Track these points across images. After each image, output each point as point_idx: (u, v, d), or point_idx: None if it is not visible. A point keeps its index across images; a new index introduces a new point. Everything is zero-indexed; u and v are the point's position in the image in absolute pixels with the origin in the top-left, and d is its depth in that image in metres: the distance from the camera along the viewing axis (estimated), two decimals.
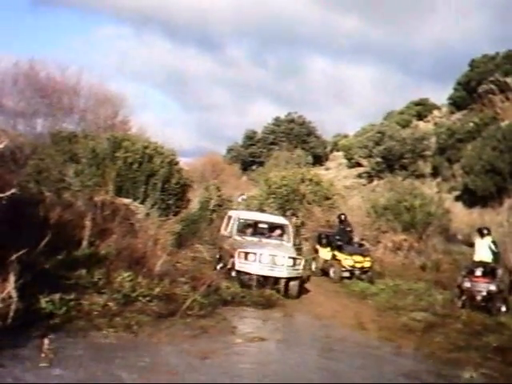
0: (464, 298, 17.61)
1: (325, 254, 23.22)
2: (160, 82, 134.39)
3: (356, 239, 23.89)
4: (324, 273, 22.73)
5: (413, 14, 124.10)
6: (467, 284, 17.66)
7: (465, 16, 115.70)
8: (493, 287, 17.31)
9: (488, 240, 18.38)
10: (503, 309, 17.06)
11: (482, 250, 18.30)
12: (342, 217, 23.98)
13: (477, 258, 18.39)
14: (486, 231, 18.60)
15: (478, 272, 17.73)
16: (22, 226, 11.88)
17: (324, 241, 23.65)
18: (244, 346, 11.31)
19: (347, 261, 22.08)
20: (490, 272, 17.74)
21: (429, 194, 33.06)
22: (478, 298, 17.34)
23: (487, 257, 18.17)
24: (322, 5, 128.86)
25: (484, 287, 17.40)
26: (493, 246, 18.25)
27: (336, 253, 22.54)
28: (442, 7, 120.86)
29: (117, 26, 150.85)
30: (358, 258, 22.15)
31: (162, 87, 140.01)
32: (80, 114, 30.33)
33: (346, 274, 22.06)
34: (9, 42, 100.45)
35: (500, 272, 17.98)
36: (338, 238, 22.95)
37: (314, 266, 23.46)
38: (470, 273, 17.93)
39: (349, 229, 23.78)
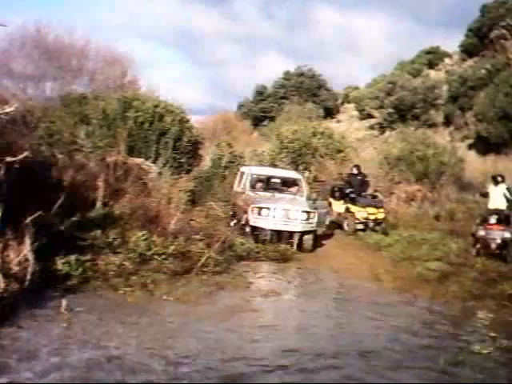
0: (478, 246, 17.57)
1: (338, 206, 22.88)
2: (169, 40, 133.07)
3: (369, 191, 23.57)
4: (338, 226, 22.32)
5: None
6: (481, 232, 17.55)
7: None
8: (507, 234, 17.15)
9: (502, 187, 18.31)
10: None
11: (497, 198, 18.24)
12: (355, 169, 23.56)
13: (491, 205, 18.34)
14: (500, 178, 18.50)
15: (493, 220, 17.61)
16: (35, 188, 11.93)
17: (337, 194, 23.23)
18: (259, 302, 11.42)
19: (361, 213, 21.91)
20: (504, 219, 17.63)
21: (441, 143, 32.88)
22: (493, 245, 17.25)
23: (502, 204, 18.11)
24: None
25: (498, 235, 17.27)
26: (507, 193, 18.16)
27: (349, 205, 22.32)
28: None
29: None
30: (372, 209, 21.98)
31: (171, 45, 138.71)
32: (89, 75, 30.20)
33: (360, 227, 21.91)
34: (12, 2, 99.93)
35: None
36: (350, 190, 22.63)
37: (327, 220, 22.98)
38: (484, 221, 17.84)
39: (361, 178, 23.36)
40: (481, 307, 12.43)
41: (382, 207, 22.45)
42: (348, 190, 22.66)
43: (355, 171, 23.46)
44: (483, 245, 17.47)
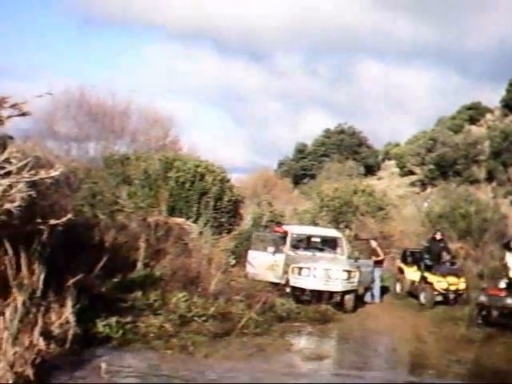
0: (483, 313, 15.92)
1: (412, 274, 20.59)
2: (210, 98, 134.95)
3: (447, 257, 20.56)
4: (412, 295, 20.28)
5: (470, 12, 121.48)
6: (482, 298, 16.08)
7: None
8: (510, 301, 15.56)
9: None
10: None
11: None
12: (439, 234, 21.11)
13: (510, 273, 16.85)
14: None
15: (502, 284, 16.30)
16: (77, 250, 12.08)
17: (410, 259, 21.16)
18: (301, 366, 11.28)
19: (441, 283, 19.13)
20: None
21: (484, 200, 32.56)
22: (494, 313, 15.64)
23: None
24: (373, 9, 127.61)
25: (501, 301, 15.65)
26: None
27: (426, 274, 19.68)
28: (503, 3, 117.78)
29: (166, 43, 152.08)
30: (453, 279, 19.28)
31: (212, 103, 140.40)
32: (131, 136, 30.72)
33: (439, 299, 19.19)
34: (59, 63, 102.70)
35: None
36: (426, 256, 20.30)
37: (398, 288, 21.29)
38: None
39: (443, 245, 20.87)
40: None
41: (462, 275, 19.83)
42: (425, 256, 20.34)
43: (438, 236, 21.05)
44: (487, 312, 15.82)
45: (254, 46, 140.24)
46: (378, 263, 20.71)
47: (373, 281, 19.94)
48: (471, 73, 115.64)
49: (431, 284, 19.30)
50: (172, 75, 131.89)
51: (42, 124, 28.34)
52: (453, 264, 20.28)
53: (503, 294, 15.72)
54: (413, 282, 20.33)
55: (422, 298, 19.37)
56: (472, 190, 41.31)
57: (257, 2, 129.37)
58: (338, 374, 11.15)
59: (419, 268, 20.20)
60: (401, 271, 21.20)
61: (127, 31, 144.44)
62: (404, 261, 21.37)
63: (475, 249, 25.84)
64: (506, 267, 17.20)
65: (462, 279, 19.44)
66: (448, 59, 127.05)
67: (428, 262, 19.98)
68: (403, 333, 15.15)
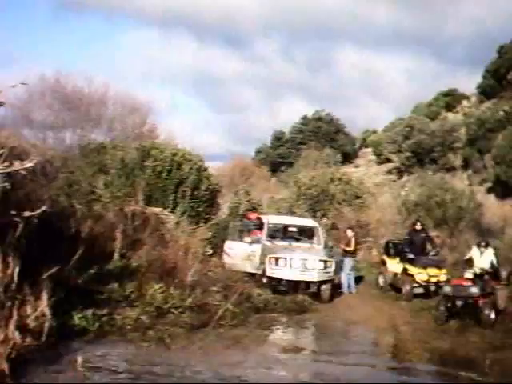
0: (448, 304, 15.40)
1: (394, 266, 20.24)
2: (189, 85, 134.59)
3: (430, 248, 20.53)
4: (394, 288, 20.00)
5: None
6: (447, 289, 15.74)
7: None
8: (475, 290, 15.18)
9: (489, 252, 17.08)
10: (492, 316, 15.09)
11: (482, 263, 16.77)
12: (418, 224, 20.88)
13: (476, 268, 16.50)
14: (484, 244, 17.31)
15: (468, 274, 15.80)
16: (53, 241, 11.99)
17: (392, 250, 20.84)
18: (277, 358, 11.30)
19: (421, 275, 18.96)
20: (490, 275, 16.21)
21: (460, 188, 32.82)
22: (458, 303, 15.19)
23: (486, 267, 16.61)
24: None
25: (465, 291, 15.29)
26: (494, 259, 16.90)
27: (407, 266, 19.49)
28: None
29: (142, 30, 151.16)
30: (434, 270, 19.07)
31: (191, 90, 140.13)
32: (108, 124, 30.54)
33: (420, 291, 18.98)
34: (34, 48, 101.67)
35: (504, 274, 16.50)
36: (407, 248, 19.99)
37: (381, 281, 20.80)
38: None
39: (424, 235, 20.73)
40: (503, 359, 12.25)
41: (444, 267, 19.57)
42: (405, 248, 20.05)
43: (418, 227, 20.78)
44: (452, 303, 15.34)
45: (233, 33, 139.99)
46: (351, 253, 20.70)
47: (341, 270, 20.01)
48: (449, 59, 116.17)
49: (412, 276, 19.10)
50: (149, 62, 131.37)
51: (17, 112, 28.10)
52: (435, 255, 20.17)
53: (467, 283, 15.43)
54: (395, 275, 20.04)
55: (404, 290, 19.00)
56: (448, 177, 41.64)
57: None
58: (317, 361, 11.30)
59: (402, 260, 19.97)
60: (383, 263, 20.93)
61: (103, 17, 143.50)
62: (387, 253, 21.10)
63: (451, 237, 26.07)
64: (471, 261, 17.08)
65: (444, 270, 19.18)
66: (426, 45, 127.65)
67: (409, 254, 19.71)
68: (379, 323, 15.26)
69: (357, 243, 21.62)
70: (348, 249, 20.63)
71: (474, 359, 12.21)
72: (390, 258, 20.70)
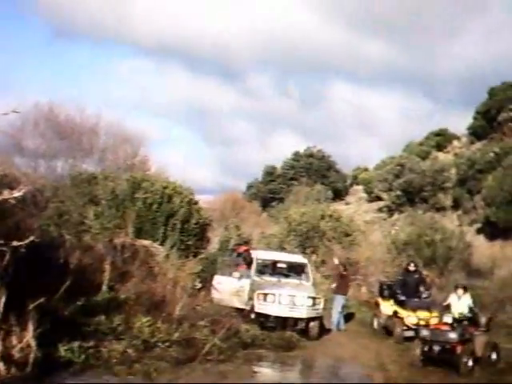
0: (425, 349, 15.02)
1: (387, 308, 19.84)
2: (182, 116, 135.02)
3: (422, 290, 19.99)
4: (387, 331, 19.38)
5: (440, 38, 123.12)
6: (425, 332, 15.33)
7: (496, 38, 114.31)
8: (453, 335, 14.75)
9: (467, 297, 16.64)
10: (470, 363, 14.55)
11: (460, 308, 16.27)
12: (412, 265, 20.49)
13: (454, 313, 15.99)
14: (461, 291, 16.71)
15: (447, 318, 15.42)
16: (41, 271, 11.93)
17: (386, 292, 20.29)
18: None
19: (410, 318, 18.45)
20: (468, 321, 15.73)
21: (449, 228, 32.95)
22: (435, 348, 14.78)
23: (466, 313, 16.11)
24: (345, 32, 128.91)
25: (443, 336, 14.86)
26: (472, 305, 16.46)
27: (397, 308, 19.20)
28: (472, 29, 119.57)
29: (137, 60, 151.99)
30: (423, 313, 18.47)
31: (183, 121, 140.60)
32: (99, 154, 30.53)
33: (410, 334, 17.99)
34: (27, 77, 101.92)
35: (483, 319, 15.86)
36: (399, 290, 19.59)
37: (375, 323, 20.33)
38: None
39: (418, 276, 20.29)
40: None
41: (435, 310, 18.29)
42: (397, 290, 19.65)
43: (412, 267, 20.41)
44: (429, 347, 14.92)
45: (226, 65, 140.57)
46: (341, 291, 20.61)
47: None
48: (441, 98, 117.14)
49: (401, 319, 18.72)
50: (143, 92, 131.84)
51: (9, 139, 28.09)
52: (427, 297, 19.71)
53: (445, 328, 15.05)
54: (389, 317, 19.56)
55: (394, 333, 18.56)
56: (438, 217, 41.73)
57: (229, 20, 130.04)
58: None
59: (395, 302, 19.58)
60: (377, 305, 20.61)
61: (98, 47, 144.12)
62: (381, 294, 20.68)
63: (440, 277, 26.05)
64: (448, 306, 16.64)
65: (435, 313, 17.96)
66: (418, 83, 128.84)
67: (400, 297, 19.38)
68: (366, 361, 15.19)
69: (348, 280, 21.48)
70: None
71: None
72: (383, 300, 20.30)
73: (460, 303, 16.41)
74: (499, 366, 15.27)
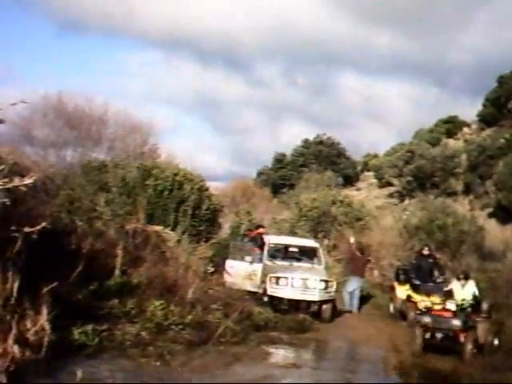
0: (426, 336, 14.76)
1: (402, 292, 19.73)
2: (191, 107, 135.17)
3: (437, 274, 19.82)
4: (402, 316, 19.18)
5: (449, 27, 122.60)
6: (426, 319, 14.95)
7: (505, 26, 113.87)
8: (457, 322, 14.61)
9: (471, 284, 16.54)
10: (474, 351, 14.39)
11: (463, 295, 16.17)
12: (426, 249, 20.45)
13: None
14: (462, 275, 16.77)
15: (450, 305, 15.18)
16: (54, 256, 11.95)
17: (402, 277, 20.15)
18: (278, 375, 11.21)
19: (423, 302, 17.21)
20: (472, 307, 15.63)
21: (461, 212, 32.78)
22: (438, 335, 14.61)
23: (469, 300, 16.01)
24: (353, 21, 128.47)
25: (446, 323, 14.69)
26: (476, 291, 16.35)
27: (411, 293, 19.05)
28: (482, 17, 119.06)
29: (146, 52, 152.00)
30: (437, 298, 17.34)
31: (193, 111, 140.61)
32: (109, 143, 30.50)
33: None
34: (36, 70, 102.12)
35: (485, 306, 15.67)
36: (413, 274, 19.55)
37: (391, 308, 20.30)
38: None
39: (432, 260, 20.19)
40: (501, 379, 12.20)
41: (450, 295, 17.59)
42: (411, 274, 19.61)
43: (426, 252, 20.36)
44: (431, 334, 14.69)
45: (235, 56, 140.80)
46: (355, 273, 20.57)
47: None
48: (450, 87, 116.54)
49: (415, 303, 18.02)
50: (152, 83, 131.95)
51: (18, 129, 28.12)
52: (443, 282, 19.12)
53: (449, 314, 14.83)
54: (403, 301, 19.43)
55: (408, 317, 18.16)
56: (449, 202, 41.59)
57: (238, 12, 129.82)
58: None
59: (410, 286, 19.45)
60: (393, 289, 20.49)
61: (107, 39, 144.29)
62: (397, 279, 20.51)
63: (452, 260, 25.96)
64: (451, 292, 16.46)
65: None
66: (427, 73, 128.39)
67: (415, 281, 19.26)
68: (379, 343, 15.17)
69: (365, 262, 21.41)
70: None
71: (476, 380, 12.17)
72: (399, 285, 20.14)
73: (464, 290, 16.30)
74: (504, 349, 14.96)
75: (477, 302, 15.84)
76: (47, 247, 11.59)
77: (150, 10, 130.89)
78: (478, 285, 16.88)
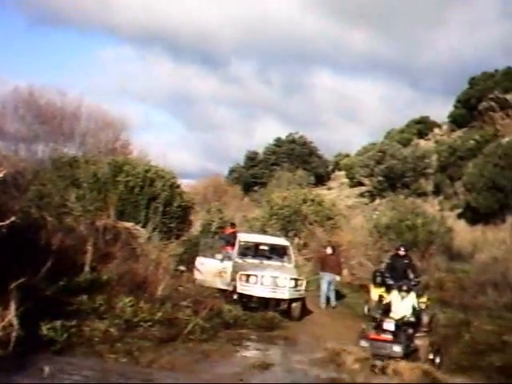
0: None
1: (376, 294, 18.86)
2: (164, 103, 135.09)
3: (411, 275, 18.63)
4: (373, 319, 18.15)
5: (423, 28, 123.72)
6: (363, 343, 13.23)
7: (478, 28, 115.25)
8: (397, 348, 12.96)
9: (412, 297, 14.89)
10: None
11: (402, 310, 14.47)
12: (402, 249, 19.33)
13: (394, 315, 14.28)
14: (405, 288, 15.04)
15: (388, 325, 13.58)
16: (23, 252, 11.89)
17: (379, 279, 19.14)
18: (245, 375, 11.23)
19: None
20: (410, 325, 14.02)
21: (431, 213, 33.12)
22: (377, 363, 12.60)
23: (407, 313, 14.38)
24: (328, 20, 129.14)
25: (385, 348, 12.99)
26: (416, 304, 14.76)
27: (383, 293, 18.10)
28: (455, 19, 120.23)
29: (119, 47, 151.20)
30: None
31: (165, 107, 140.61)
32: (80, 138, 30.37)
33: None
34: (7, 62, 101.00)
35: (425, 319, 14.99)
36: (387, 275, 18.67)
37: (365, 309, 18.92)
38: (377, 327, 13.93)
39: (407, 262, 19.17)
40: (470, 380, 12.33)
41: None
42: (386, 275, 18.68)
43: (402, 252, 19.26)
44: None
45: (208, 53, 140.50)
46: (327, 270, 20.91)
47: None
48: (422, 87, 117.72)
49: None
50: (124, 78, 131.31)
51: None
52: (416, 284, 17.83)
53: (388, 337, 13.20)
54: (376, 303, 18.07)
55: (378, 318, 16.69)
56: (419, 202, 41.97)
57: (213, 8, 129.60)
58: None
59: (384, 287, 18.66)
60: (368, 292, 19.89)
61: (79, 33, 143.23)
62: (373, 281, 19.58)
63: (421, 260, 26.15)
64: (388, 307, 14.93)
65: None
66: (401, 73, 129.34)
67: (388, 281, 18.36)
68: (347, 340, 15.20)
69: (339, 262, 21.65)
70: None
71: None
72: (375, 287, 19.40)
73: (403, 304, 14.67)
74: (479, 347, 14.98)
75: (417, 316, 14.58)
76: (16, 242, 11.54)
77: (124, 3, 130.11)
78: (429, 299, 16.93)
